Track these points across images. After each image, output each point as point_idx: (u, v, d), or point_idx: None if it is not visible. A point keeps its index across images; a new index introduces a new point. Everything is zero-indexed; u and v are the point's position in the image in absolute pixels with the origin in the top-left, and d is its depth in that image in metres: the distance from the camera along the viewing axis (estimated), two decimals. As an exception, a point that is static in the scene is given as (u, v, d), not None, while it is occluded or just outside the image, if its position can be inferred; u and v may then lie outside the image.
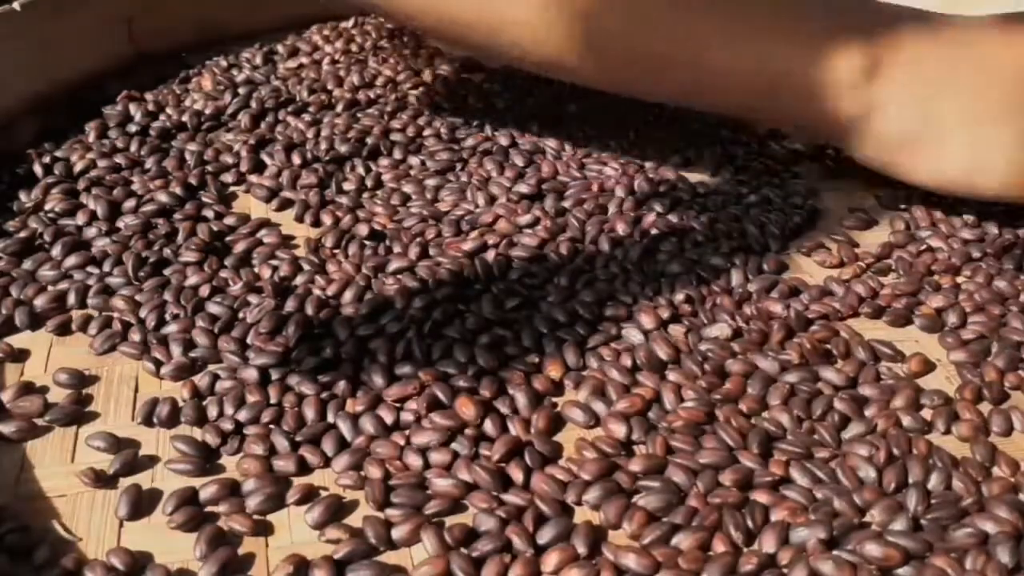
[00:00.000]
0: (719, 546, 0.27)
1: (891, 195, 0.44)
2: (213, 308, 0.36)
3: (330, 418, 0.32)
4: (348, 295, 0.37)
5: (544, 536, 0.27)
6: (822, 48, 0.39)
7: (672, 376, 0.33)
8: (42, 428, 0.32)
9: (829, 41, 0.39)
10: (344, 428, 0.31)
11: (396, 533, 0.28)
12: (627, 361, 0.34)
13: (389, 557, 0.27)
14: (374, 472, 0.30)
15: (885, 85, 0.39)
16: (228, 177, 0.46)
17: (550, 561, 0.27)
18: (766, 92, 0.41)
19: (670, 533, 0.27)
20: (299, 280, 0.38)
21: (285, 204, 0.44)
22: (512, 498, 0.29)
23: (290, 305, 0.36)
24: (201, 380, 0.33)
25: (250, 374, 0.33)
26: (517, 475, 0.29)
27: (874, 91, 0.39)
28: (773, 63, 0.40)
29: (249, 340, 0.35)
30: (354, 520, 0.28)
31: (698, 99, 0.44)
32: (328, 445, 0.31)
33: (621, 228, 0.41)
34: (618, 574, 0.26)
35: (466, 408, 0.31)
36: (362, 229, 0.41)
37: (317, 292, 0.37)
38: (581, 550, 0.27)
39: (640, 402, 0.32)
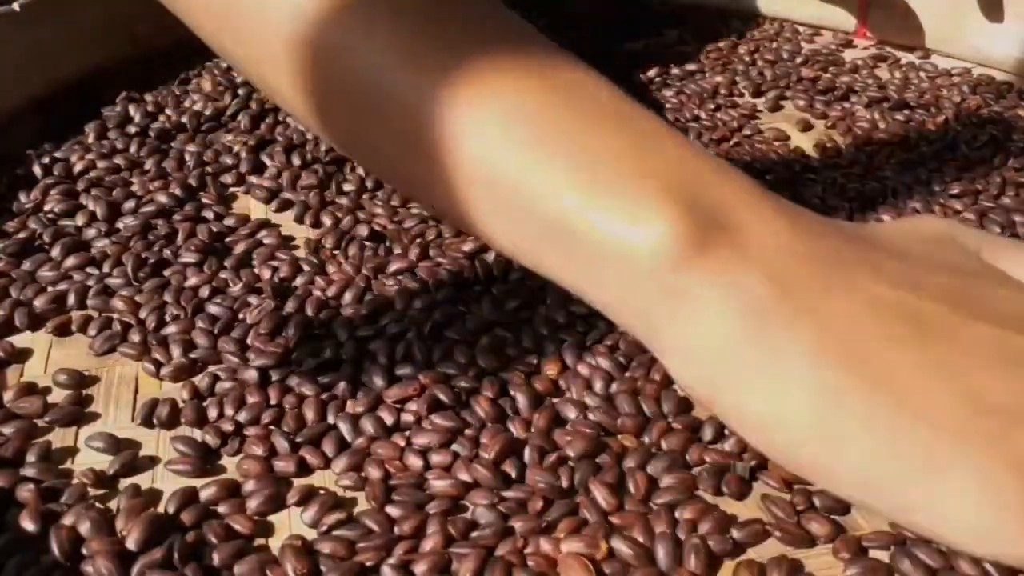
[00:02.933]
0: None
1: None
2: (213, 309, 0.36)
3: (330, 419, 0.32)
4: (348, 296, 0.37)
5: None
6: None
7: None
8: (42, 428, 0.32)
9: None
10: (344, 429, 0.31)
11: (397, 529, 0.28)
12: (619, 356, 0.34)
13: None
14: (374, 473, 0.30)
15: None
16: (228, 178, 0.46)
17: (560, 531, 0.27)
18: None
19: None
20: (299, 281, 0.38)
21: (285, 205, 0.44)
22: (513, 493, 0.29)
23: (290, 306, 0.36)
24: (201, 381, 0.33)
25: (250, 375, 0.33)
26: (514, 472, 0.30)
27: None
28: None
29: (249, 341, 0.35)
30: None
31: None
32: (328, 446, 0.31)
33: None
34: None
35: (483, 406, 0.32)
36: (362, 230, 0.41)
37: (317, 293, 0.37)
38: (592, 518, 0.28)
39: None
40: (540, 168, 0.24)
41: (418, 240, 0.40)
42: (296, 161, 0.46)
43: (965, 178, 0.46)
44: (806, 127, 0.51)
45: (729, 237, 0.23)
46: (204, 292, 0.37)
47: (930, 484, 0.21)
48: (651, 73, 0.56)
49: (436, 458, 0.30)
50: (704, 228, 0.23)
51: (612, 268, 0.23)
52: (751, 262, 0.23)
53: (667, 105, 0.53)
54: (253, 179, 0.45)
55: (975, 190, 0.45)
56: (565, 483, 0.29)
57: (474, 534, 0.28)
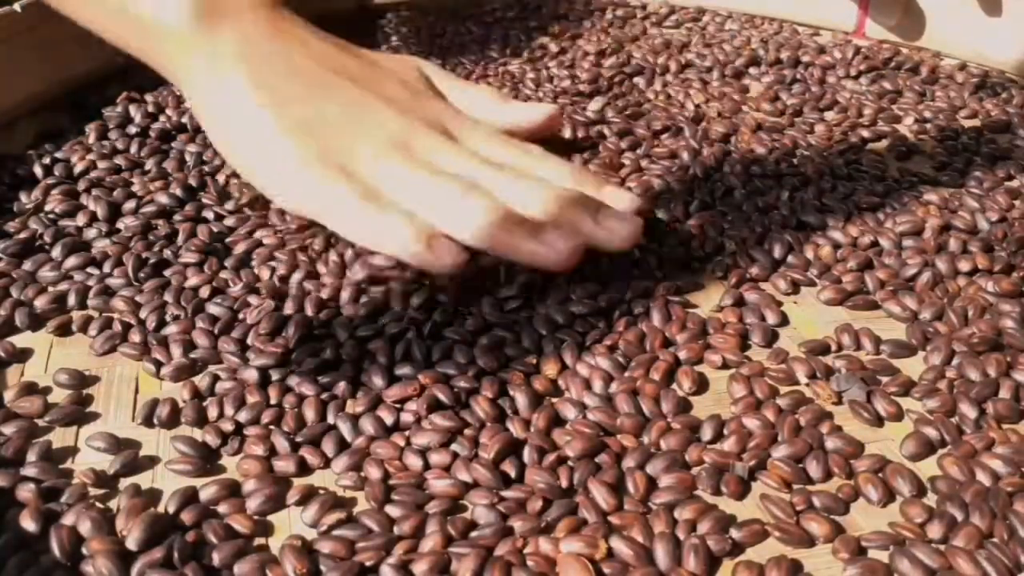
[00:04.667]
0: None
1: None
2: (213, 309, 0.36)
3: (330, 419, 0.32)
4: (346, 296, 0.37)
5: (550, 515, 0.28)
6: None
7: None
8: (42, 428, 0.32)
9: None
10: (344, 429, 0.31)
11: (397, 529, 0.28)
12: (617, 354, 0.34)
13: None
14: (374, 473, 0.30)
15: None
16: (228, 178, 0.46)
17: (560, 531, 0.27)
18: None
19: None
20: (298, 281, 0.38)
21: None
22: (512, 493, 0.29)
23: (290, 306, 0.36)
24: (201, 381, 0.33)
25: (250, 375, 0.33)
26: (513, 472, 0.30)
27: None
28: None
29: (249, 341, 0.35)
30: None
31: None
32: (328, 446, 0.31)
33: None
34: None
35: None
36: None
37: (317, 293, 0.37)
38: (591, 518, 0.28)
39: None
40: None
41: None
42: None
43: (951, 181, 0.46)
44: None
45: (224, 9, 0.38)
46: (204, 292, 0.37)
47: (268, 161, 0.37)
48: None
49: (435, 458, 0.30)
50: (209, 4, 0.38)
51: (155, 32, 0.38)
52: (232, 31, 0.38)
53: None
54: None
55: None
56: (564, 483, 0.29)
57: (473, 534, 0.28)
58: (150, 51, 0.40)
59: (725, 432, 0.31)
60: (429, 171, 0.37)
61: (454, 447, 0.30)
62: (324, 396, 0.33)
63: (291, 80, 0.38)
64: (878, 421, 0.32)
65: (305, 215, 0.38)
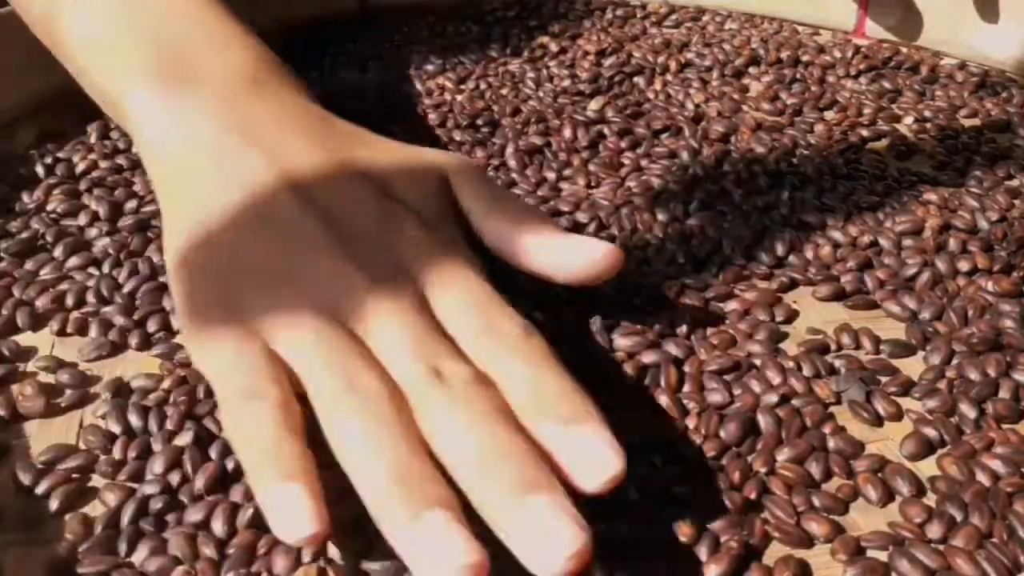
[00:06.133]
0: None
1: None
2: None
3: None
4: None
5: None
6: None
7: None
8: (44, 428, 0.32)
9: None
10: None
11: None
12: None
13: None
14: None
15: None
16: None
17: None
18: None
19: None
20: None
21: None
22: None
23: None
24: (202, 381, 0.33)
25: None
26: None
27: None
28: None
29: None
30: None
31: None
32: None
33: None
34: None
35: None
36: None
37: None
38: None
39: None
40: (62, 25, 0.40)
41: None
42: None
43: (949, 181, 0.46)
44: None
45: (183, 90, 0.35)
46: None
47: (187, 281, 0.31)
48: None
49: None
50: (171, 72, 0.36)
51: (114, 106, 0.38)
52: (205, 91, 0.35)
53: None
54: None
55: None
56: None
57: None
58: (116, 118, 0.40)
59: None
60: (349, 368, 0.27)
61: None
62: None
63: (230, 200, 0.31)
64: (877, 421, 0.32)
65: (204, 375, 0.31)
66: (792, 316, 0.37)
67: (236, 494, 0.29)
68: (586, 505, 0.24)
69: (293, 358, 0.28)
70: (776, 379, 0.33)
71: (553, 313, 0.35)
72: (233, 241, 0.31)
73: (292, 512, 0.24)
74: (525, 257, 0.32)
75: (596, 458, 0.25)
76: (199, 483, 0.29)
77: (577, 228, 0.41)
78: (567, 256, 0.31)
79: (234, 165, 0.32)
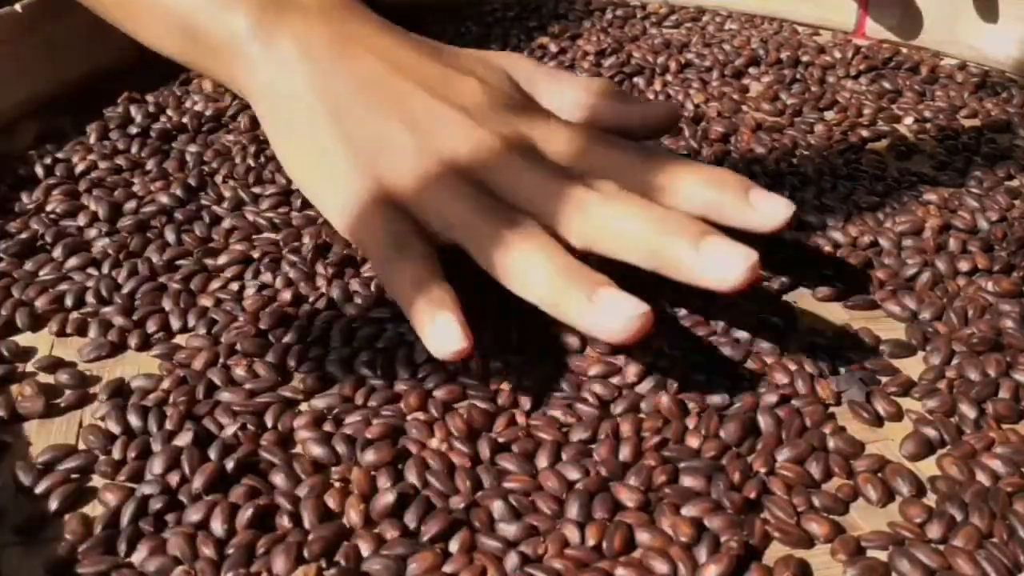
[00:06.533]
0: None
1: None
2: (214, 311, 0.37)
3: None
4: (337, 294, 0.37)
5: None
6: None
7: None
8: (43, 429, 0.32)
9: None
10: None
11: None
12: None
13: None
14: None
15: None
16: (228, 179, 0.46)
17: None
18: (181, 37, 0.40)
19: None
20: (300, 283, 0.38)
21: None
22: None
23: (291, 308, 0.37)
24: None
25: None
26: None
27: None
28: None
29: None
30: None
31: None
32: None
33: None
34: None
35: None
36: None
37: (316, 294, 0.37)
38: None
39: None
40: None
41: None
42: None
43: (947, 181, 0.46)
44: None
45: (288, 16, 0.37)
46: (206, 301, 0.37)
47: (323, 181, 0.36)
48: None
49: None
50: (272, 12, 0.37)
51: (221, 49, 0.38)
52: (293, 36, 0.37)
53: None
54: (251, 179, 0.45)
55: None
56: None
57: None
58: (215, 68, 0.39)
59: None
60: (496, 215, 0.32)
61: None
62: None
63: (354, 90, 0.35)
64: (877, 421, 0.32)
65: (355, 246, 0.37)
66: (792, 316, 0.37)
67: (235, 494, 0.29)
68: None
69: (437, 217, 0.33)
70: (776, 379, 0.33)
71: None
72: (365, 120, 0.35)
73: (445, 333, 0.29)
74: (594, 117, 0.38)
75: (768, 205, 0.33)
76: (198, 483, 0.29)
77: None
78: (649, 110, 0.39)
79: (351, 66, 0.36)
